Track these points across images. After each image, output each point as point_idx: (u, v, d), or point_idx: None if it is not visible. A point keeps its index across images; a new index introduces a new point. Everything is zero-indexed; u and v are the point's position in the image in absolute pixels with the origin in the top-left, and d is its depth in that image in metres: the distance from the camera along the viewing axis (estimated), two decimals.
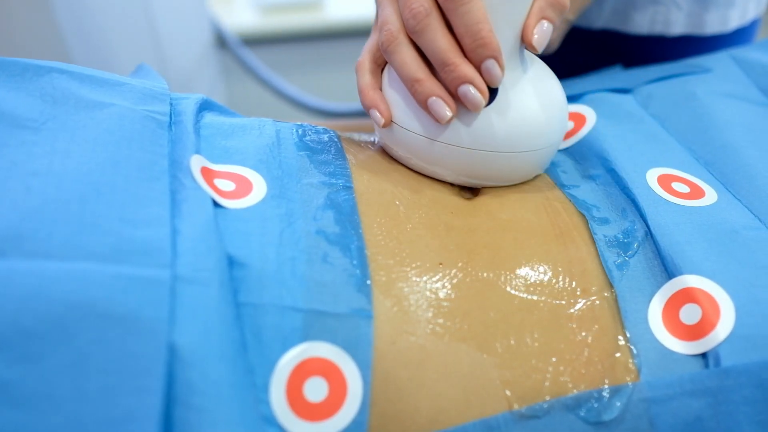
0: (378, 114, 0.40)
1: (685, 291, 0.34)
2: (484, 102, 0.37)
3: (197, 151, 0.36)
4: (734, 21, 0.63)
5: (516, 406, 0.32)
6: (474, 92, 0.37)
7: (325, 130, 0.44)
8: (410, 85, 0.38)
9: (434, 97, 0.37)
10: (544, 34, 0.38)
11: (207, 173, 0.35)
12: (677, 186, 0.40)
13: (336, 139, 0.43)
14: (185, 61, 1.20)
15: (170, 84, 0.41)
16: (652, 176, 0.40)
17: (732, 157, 0.42)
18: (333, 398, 0.31)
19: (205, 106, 0.42)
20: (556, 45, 0.54)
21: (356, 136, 0.46)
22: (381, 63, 0.43)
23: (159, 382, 0.26)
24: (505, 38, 0.38)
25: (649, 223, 0.37)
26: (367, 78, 0.42)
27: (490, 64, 0.37)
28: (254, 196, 0.35)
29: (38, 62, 0.36)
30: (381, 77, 0.43)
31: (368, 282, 0.33)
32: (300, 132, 0.42)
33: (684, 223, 0.37)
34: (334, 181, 0.38)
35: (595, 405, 0.32)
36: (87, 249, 0.28)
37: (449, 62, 0.37)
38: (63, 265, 0.27)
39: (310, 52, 1.51)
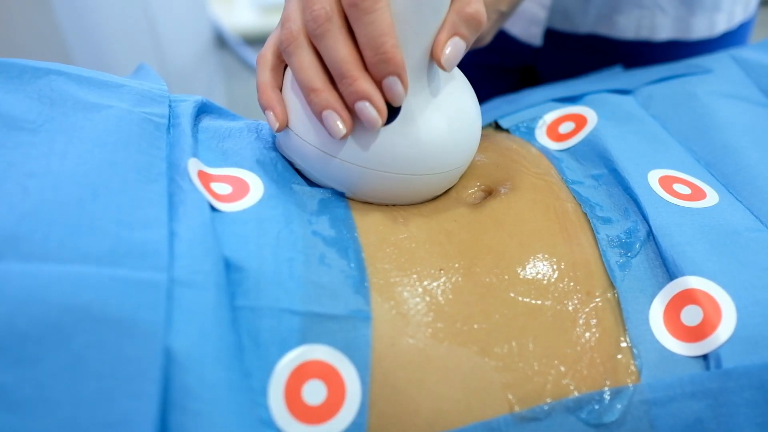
0: (273, 117, 0.37)
1: (686, 292, 0.33)
2: (381, 121, 0.34)
3: (194, 155, 0.36)
4: (721, 25, 0.62)
5: (517, 408, 0.32)
6: (371, 110, 0.34)
7: None
8: (306, 94, 0.35)
9: (329, 110, 0.34)
10: (455, 51, 0.35)
11: (204, 177, 0.35)
12: (678, 187, 0.39)
13: None
14: (185, 60, 1.20)
15: (169, 84, 0.41)
16: (654, 177, 0.40)
17: (733, 158, 0.42)
18: (331, 401, 0.31)
19: (203, 109, 0.42)
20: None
21: None
22: (284, 60, 0.38)
23: (155, 386, 0.26)
24: (411, 53, 0.35)
25: (651, 223, 0.37)
26: (266, 75, 0.38)
27: (392, 81, 0.33)
28: (251, 197, 0.35)
29: (36, 63, 0.36)
30: (283, 75, 0.39)
31: (366, 284, 0.33)
32: None
33: (685, 225, 0.36)
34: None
35: (596, 407, 0.32)
36: (83, 251, 0.28)
37: (347, 75, 0.33)
38: (59, 268, 0.27)
39: None
